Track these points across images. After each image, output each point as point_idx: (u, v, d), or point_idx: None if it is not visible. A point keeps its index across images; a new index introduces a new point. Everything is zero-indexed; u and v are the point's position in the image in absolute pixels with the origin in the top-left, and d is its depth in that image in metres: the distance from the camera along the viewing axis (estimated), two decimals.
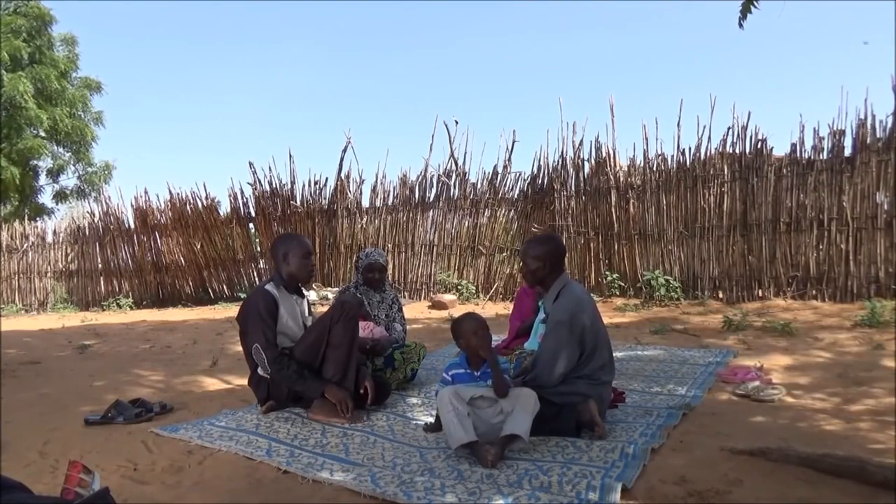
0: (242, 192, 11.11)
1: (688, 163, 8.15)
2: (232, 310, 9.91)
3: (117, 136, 46.70)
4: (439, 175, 9.80)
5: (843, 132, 7.32)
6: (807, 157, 7.52)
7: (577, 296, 2.86)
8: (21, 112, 14.84)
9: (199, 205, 11.40)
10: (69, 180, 17.87)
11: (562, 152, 8.95)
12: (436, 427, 2.77)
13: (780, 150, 7.81)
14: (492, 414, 2.55)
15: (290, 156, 13.63)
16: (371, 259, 3.95)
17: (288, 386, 3.08)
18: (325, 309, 4.06)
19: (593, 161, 8.77)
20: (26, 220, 14.10)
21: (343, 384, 3.05)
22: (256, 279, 11.49)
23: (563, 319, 2.76)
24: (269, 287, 3.17)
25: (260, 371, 3.11)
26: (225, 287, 11.65)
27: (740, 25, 3.54)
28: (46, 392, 3.97)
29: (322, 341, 3.08)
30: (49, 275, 12.99)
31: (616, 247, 8.58)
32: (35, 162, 16.68)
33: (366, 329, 3.65)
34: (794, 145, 7.61)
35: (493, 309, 8.21)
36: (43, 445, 2.79)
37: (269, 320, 3.07)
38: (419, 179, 9.96)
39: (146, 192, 12.07)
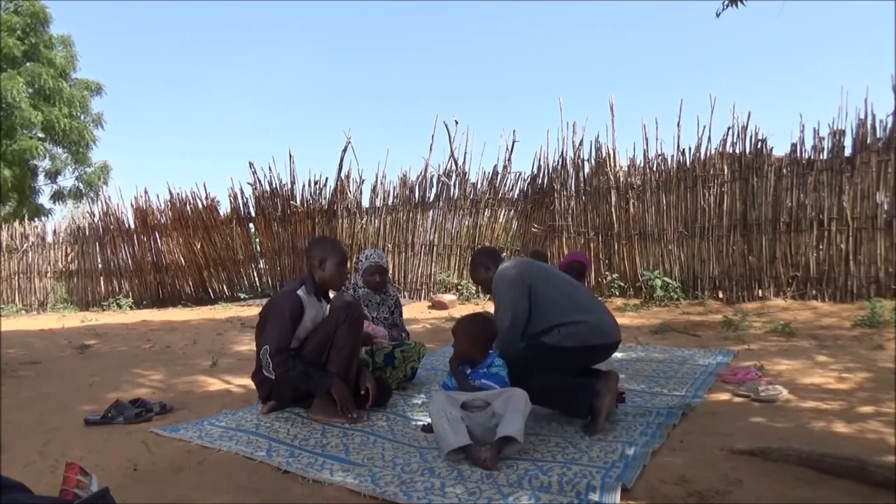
0: (242, 192, 11.14)
1: (688, 163, 8.15)
2: (232, 310, 9.91)
3: (117, 136, 46.83)
4: (439, 175, 9.80)
5: (843, 132, 7.32)
6: (807, 157, 7.52)
7: (510, 261, 3.16)
8: (15, 112, 14.81)
9: (199, 205, 11.41)
10: (67, 181, 17.87)
11: (562, 152, 8.95)
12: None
13: (780, 150, 7.83)
14: (485, 418, 2.53)
15: (290, 156, 13.68)
16: (371, 262, 3.93)
17: (295, 385, 3.06)
18: None
19: (593, 161, 8.77)
20: (25, 221, 14.09)
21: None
22: (256, 279, 11.49)
23: (497, 279, 3.07)
24: (300, 292, 3.10)
25: (265, 371, 3.10)
26: (225, 287, 11.65)
27: (717, 14, 3.58)
28: (46, 392, 3.97)
29: (328, 342, 3.07)
30: (49, 275, 12.98)
31: (616, 247, 8.58)
32: (34, 163, 16.66)
33: (366, 328, 3.65)
34: (794, 145, 7.61)
35: (492, 308, 8.19)
36: (43, 445, 2.79)
37: (289, 326, 3.03)
38: (419, 179, 9.96)
39: (146, 192, 12.09)
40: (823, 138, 7.42)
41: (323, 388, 3.01)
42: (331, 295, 3.40)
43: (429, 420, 2.91)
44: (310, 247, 3.28)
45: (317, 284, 3.17)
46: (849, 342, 4.96)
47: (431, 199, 9.91)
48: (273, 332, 3.02)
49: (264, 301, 10.48)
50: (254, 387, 3.38)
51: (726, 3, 3.52)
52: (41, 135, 16.09)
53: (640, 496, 2.08)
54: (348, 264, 3.36)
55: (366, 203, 10.40)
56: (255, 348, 3.32)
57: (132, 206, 11.98)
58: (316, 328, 3.16)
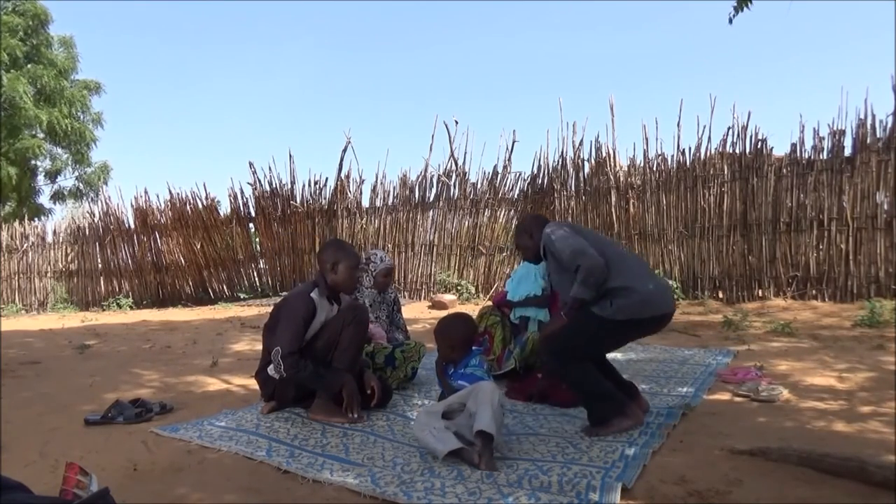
0: (242, 192, 11.15)
1: (688, 163, 8.15)
2: (232, 310, 9.91)
3: (117, 136, 46.87)
4: (439, 175, 9.81)
5: (843, 132, 7.32)
6: (807, 157, 7.52)
7: (553, 223, 2.95)
8: (19, 112, 14.82)
9: (199, 205, 11.42)
10: (67, 181, 17.87)
11: (562, 152, 8.95)
12: None
13: (780, 150, 7.83)
14: (466, 419, 2.51)
15: (290, 156, 13.73)
16: (386, 264, 4.01)
17: (307, 385, 3.06)
18: None
19: (593, 161, 8.77)
20: (25, 221, 14.10)
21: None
22: (256, 279, 11.50)
23: (548, 239, 2.82)
24: (314, 295, 3.10)
25: (271, 370, 3.10)
26: (225, 287, 11.66)
27: (729, 21, 3.56)
28: (46, 392, 3.97)
29: (333, 343, 3.08)
30: (49, 275, 12.99)
31: None
32: (34, 162, 16.67)
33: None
34: (794, 145, 7.61)
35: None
36: (43, 445, 2.79)
37: (301, 328, 3.03)
38: (419, 179, 9.96)
39: (146, 192, 12.11)
40: (823, 138, 7.42)
41: (335, 387, 3.02)
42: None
43: None
44: (322, 249, 3.28)
45: (329, 287, 3.16)
46: (849, 342, 4.96)
47: (431, 199, 9.91)
48: (286, 334, 3.01)
49: (264, 301, 10.54)
50: (253, 387, 3.39)
51: (735, 9, 3.52)
52: (41, 134, 16.10)
53: (640, 496, 2.07)
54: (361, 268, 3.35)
55: (366, 203, 10.41)
56: (255, 348, 3.33)
57: (132, 206, 12.01)
58: (322, 328, 3.16)
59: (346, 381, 3.01)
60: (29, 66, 15.57)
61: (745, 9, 3.51)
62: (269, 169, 13.36)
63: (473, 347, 2.83)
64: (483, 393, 2.47)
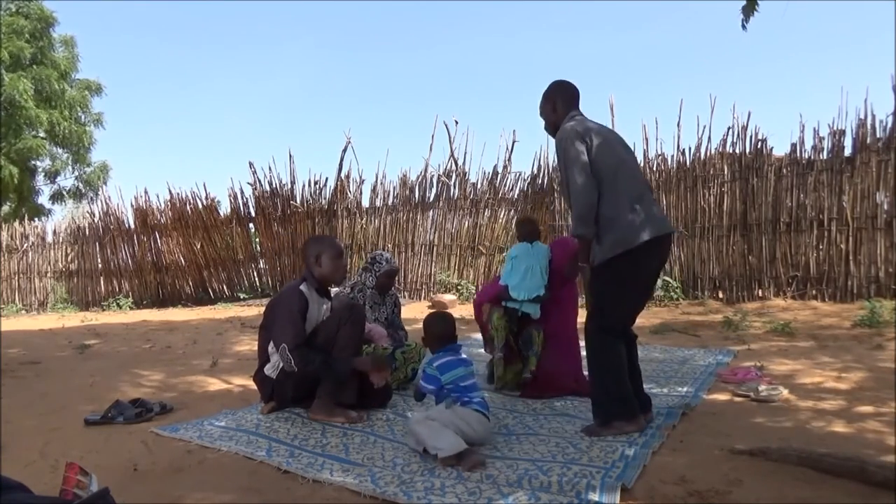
0: (242, 192, 11.16)
1: (688, 163, 8.16)
2: (232, 310, 9.91)
3: (117, 136, 46.86)
4: (439, 175, 9.80)
5: (843, 132, 7.32)
6: (807, 157, 7.53)
7: (574, 124, 2.75)
8: (21, 112, 14.82)
9: (199, 205, 11.42)
10: (66, 181, 17.86)
11: None
12: None
13: (780, 150, 7.84)
14: None
15: (290, 156, 13.72)
16: (392, 266, 4.01)
17: (319, 375, 3.05)
18: None
19: None
20: (25, 221, 14.11)
21: (346, 386, 3.06)
22: (256, 279, 11.50)
23: (560, 144, 2.73)
24: (303, 288, 3.11)
25: (267, 370, 3.09)
26: (225, 287, 11.66)
27: (743, 27, 3.54)
28: (46, 392, 3.97)
29: (330, 342, 3.08)
30: (49, 275, 12.99)
31: None
32: (34, 162, 16.66)
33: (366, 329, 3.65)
34: (794, 145, 7.62)
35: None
36: (43, 445, 2.79)
37: (300, 321, 3.03)
38: (419, 179, 9.96)
39: (146, 192, 12.13)
40: (823, 138, 7.42)
41: (346, 373, 3.03)
42: (332, 291, 3.40)
43: None
44: (305, 246, 3.30)
45: (316, 280, 3.17)
46: (849, 342, 4.96)
47: (431, 199, 9.91)
48: (288, 328, 3.00)
49: (264, 301, 10.53)
50: (253, 387, 3.38)
51: (745, 13, 3.50)
52: (42, 135, 16.09)
53: (640, 496, 2.07)
54: (345, 258, 3.34)
55: (366, 203, 10.41)
56: (255, 348, 3.33)
57: (132, 206, 12.02)
58: (318, 328, 3.16)
59: (358, 361, 3.07)
60: (33, 66, 15.57)
61: (754, 12, 3.48)
62: (269, 169, 13.39)
63: (453, 344, 2.84)
64: (413, 429, 2.54)
